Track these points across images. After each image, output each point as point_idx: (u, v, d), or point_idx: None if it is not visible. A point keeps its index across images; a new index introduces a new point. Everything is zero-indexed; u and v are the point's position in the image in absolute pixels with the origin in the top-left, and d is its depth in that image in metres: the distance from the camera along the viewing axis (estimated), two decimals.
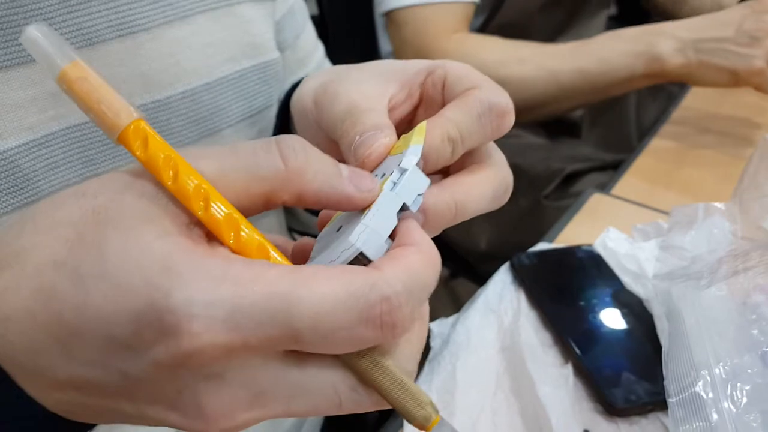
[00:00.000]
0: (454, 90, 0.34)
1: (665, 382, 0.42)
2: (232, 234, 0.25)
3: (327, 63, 0.65)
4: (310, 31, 0.62)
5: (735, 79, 0.80)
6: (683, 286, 0.45)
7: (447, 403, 0.50)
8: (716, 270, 0.45)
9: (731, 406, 0.39)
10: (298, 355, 0.24)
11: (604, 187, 0.77)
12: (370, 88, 0.36)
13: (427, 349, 0.55)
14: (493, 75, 0.35)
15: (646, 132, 0.96)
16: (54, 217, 0.24)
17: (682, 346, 0.42)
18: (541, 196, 0.95)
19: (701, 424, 0.40)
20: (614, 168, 0.97)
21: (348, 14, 1.06)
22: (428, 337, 0.56)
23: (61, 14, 0.37)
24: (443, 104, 0.34)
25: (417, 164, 0.29)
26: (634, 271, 0.54)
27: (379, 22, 1.05)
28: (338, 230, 0.29)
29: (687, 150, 0.85)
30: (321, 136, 0.37)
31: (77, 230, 0.23)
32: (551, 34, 1.04)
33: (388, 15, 0.96)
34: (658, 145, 0.86)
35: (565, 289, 0.57)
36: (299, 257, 0.31)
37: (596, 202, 0.73)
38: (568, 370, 0.51)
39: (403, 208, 0.28)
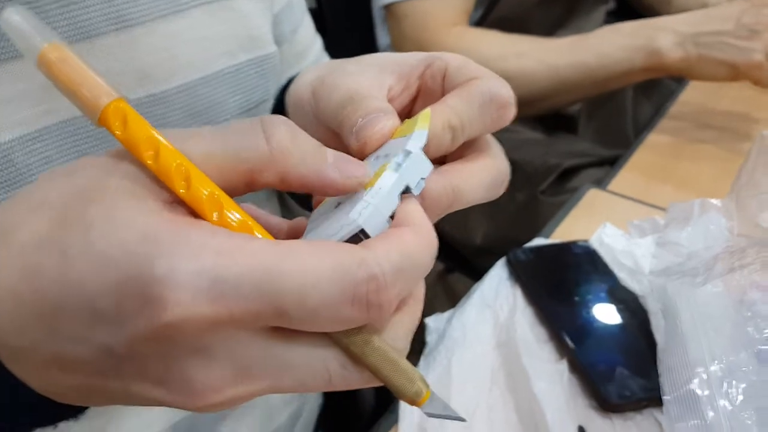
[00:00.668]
0: (455, 80, 0.34)
1: (660, 380, 0.43)
2: (216, 213, 0.24)
3: (325, 57, 0.65)
4: (308, 25, 0.62)
5: (734, 73, 0.80)
6: (679, 282, 0.45)
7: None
8: (712, 267, 0.45)
9: (727, 404, 0.39)
10: (287, 331, 0.24)
11: (601, 182, 0.77)
12: (369, 79, 0.35)
13: (422, 344, 0.55)
14: (493, 69, 0.35)
15: (642, 127, 0.96)
16: (41, 196, 0.24)
17: (678, 343, 0.42)
18: (538, 191, 0.95)
19: (697, 422, 0.40)
20: (611, 163, 0.96)
21: (346, 7, 1.05)
22: (423, 331, 0.56)
23: (56, 7, 0.37)
24: (443, 96, 0.34)
25: (422, 148, 0.29)
26: (630, 267, 0.54)
27: (378, 15, 1.04)
28: (336, 207, 0.29)
29: (684, 145, 0.85)
30: (317, 128, 0.37)
31: (62, 209, 0.23)
32: (550, 29, 1.04)
33: (387, 8, 0.96)
34: (655, 140, 0.86)
35: (561, 285, 0.57)
36: (294, 238, 0.31)
37: (592, 197, 0.73)
38: (564, 366, 0.51)
39: (406, 190, 0.28)
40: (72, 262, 0.22)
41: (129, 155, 0.25)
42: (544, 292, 0.56)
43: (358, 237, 0.26)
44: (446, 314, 0.58)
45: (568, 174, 0.97)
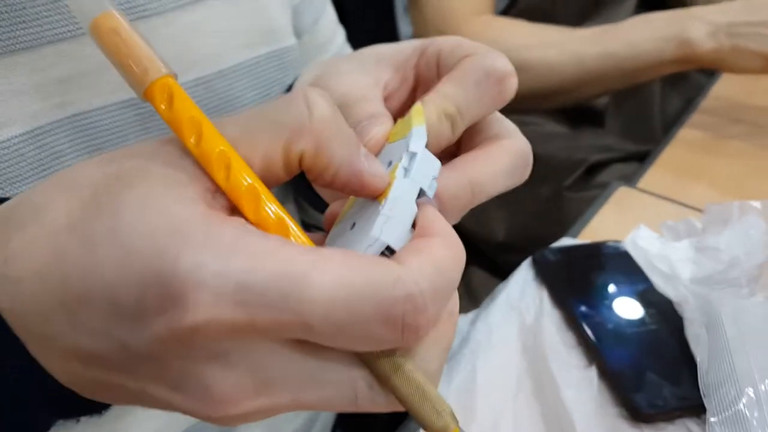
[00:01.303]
0: (448, 63, 0.32)
1: (704, 398, 0.40)
2: (253, 205, 0.23)
3: (347, 49, 0.63)
4: (330, 15, 0.60)
5: None
6: (723, 293, 0.43)
7: (466, 405, 0.48)
8: (758, 277, 0.43)
9: None
10: (314, 345, 0.22)
11: (630, 180, 0.74)
12: (361, 78, 0.34)
13: None
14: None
15: (670, 122, 0.94)
16: (76, 179, 0.23)
17: (723, 359, 0.40)
18: (563, 186, 0.93)
19: None
20: (638, 158, 0.94)
21: None
22: None
23: None
24: None
25: (425, 146, 0.27)
26: (665, 272, 0.52)
27: (400, 4, 1.02)
28: (352, 228, 0.27)
29: (717, 141, 0.82)
30: None
31: (95, 193, 0.22)
32: (577, 20, 1.01)
33: None
34: (686, 135, 0.83)
35: (591, 288, 0.55)
36: None
37: (622, 195, 0.70)
38: (593, 372, 0.49)
39: (420, 194, 0.26)
40: (97, 250, 0.21)
41: (174, 142, 0.24)
42: (572, 295, 0.54)
43: (384, 255, 0.24)
44: (470, 315, 0.56)
45: (593, 169, 0.95)
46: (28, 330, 0.23)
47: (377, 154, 0.30)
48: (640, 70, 0.84)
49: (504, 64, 0.30)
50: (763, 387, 0.37)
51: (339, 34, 0.62)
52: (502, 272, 0.60)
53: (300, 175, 0.26)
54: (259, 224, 0.23)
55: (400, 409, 0.24)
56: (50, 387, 0.24)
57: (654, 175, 0.75)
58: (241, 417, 0.23)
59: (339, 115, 0.25)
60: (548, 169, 0.95)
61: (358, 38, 0.63)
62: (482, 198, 0.29)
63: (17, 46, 0.34)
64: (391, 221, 0.24)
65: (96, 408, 0.28)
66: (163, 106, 0.24)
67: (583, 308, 0.53)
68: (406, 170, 0.26)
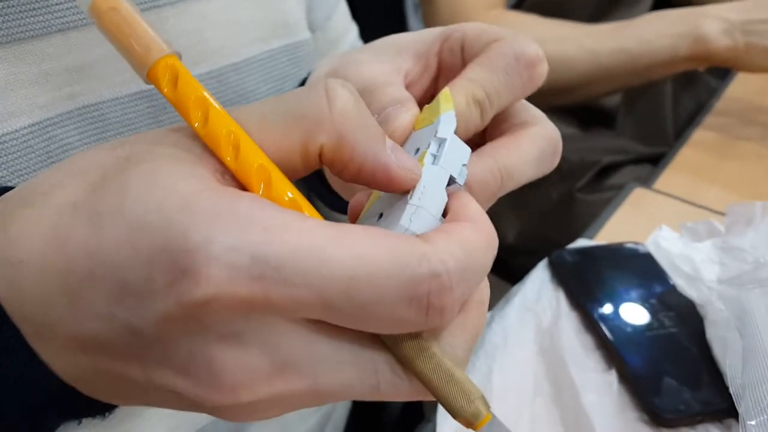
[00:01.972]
0: (474, 49, 0.31)
1: (737, 401, 0.39)
2: (262, 185, 0.22)
3: (360, 45, 0.62)
4: (343, 12, 0.59)
5: None
6: (753, 293, 0.42)
7: None
8: None
9: None
10: (335, 326, 0.21)
11: (645, 181, 0.73)
12: (381, 66, 0.33)
13: None
14: None
15: (682, 125, 0.93)
16: (85, 163, 0.23)
17: (759, 360, 0.38)
18: (575, 188, 0.92)
19: None
20: (650, 161, 0.93)
21: None
22: None
23: None
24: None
25: (454, 132, 0.26)
26: (688, 273, 0.51)
27: (410, 1, 1.02)
28: (378, 219, 0.25)
29: (731, 143, 0.81)
30: None
31: (104, 174, 0.22)
32: (590, 17, 1.00)
33: None
34: (700, 137, 0.82)
35: (610, 289, 0.54)
36: None
37: (638, 197, 0.69)
38: (612, 376, 0.47)
39: (450, 182, 0.25)
40: (103, 227, 0.20)
41: (183, 128, 0.23)
42: (590, 296, 0.53)
43: None
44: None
45: (606, 171, 0.94)
46: (28, 319, 0.22)
47: (403, 142, 0.29)
48: (654, 66, 0.83)
49: (535, 50, 0.29)
50: None
51: (352, 30, 0.61)
52: (513, 275, 0.58)
53: (315, 172, 0.25)
54: None
55: (426, 397, 0.23)
56: (51, 386, 0.23)
57: (669, 177, 0.74)
58: (253, 407, 0.21)
59: (362, 106, 0.24)
60: (560, 171, 0.93)
61: (367, 34, 0.62)
62: (511, 186, 0.29)
63: (26, 34, 0.33)
64: (420, 211, 0.23)
65: (99, 409, 0.27)
66: (166, 87, 0.23)
67: (602, 310, 0.52)
68: (435, 157, 0.25)
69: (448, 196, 0.24)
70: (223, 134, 0.22)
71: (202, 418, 0.44)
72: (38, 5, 0.33)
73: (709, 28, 0.79)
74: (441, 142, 0.26)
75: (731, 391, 0.40)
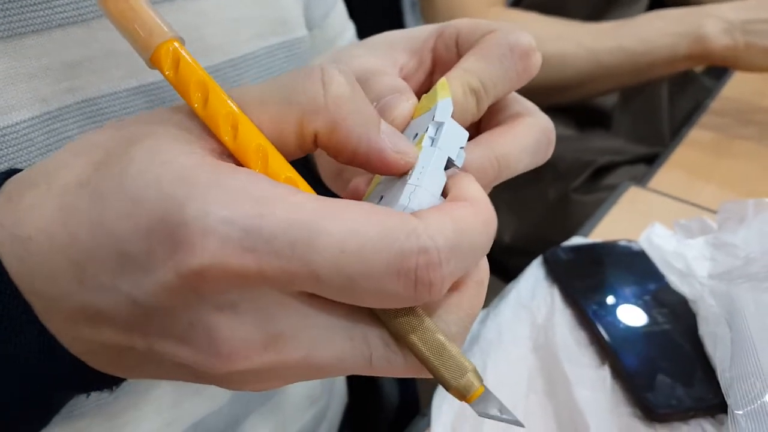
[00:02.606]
0: (469, 43, 0.32)
1: (727, 391, 0.39)
2: (261, 165, 0.23)
3: None
4: (340, 10, 0.59)
5: None
6: (743, 287, 0.42)
7: None
8: None
9: None
10: (327, 300, 0.22)
11: (640, 180, 0.73)
12: (378, 60, 0.33)
13: None
14: None
15: (678, 125, 0.93)
16: (89, 142, 0.24)
17: (748, 352, 0.39)
18: (570, 188, 0.92)
19: None
20: (645, 161, 0.93)
21: None
22: None
23: None
24: None
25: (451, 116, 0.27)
26: (681, 270, 0.51)
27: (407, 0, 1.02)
28: (379, 201, 0.26)
29: (727, 142, 0.81)
30: None
31: (106, 152, 0.23)
32: (588, 16, 1.01)
33: None
34: (696, 136, 0.83)
35: (604, 286, 0.54)
36: None
37: (632, 195, 0.69)
38: (606, 372, 0.48)
39: (448, 164, 0.26)
40: (105, 202, 0.21)
41: (183, 108, 0.24)
42: (584, 293, 0.53)
43: None
44: (479, 314, 0.56)
45: (601, 171, 0.94)
46: (36, 293, 0.23)
47: (402, 131, 0.29)
48: (654, 65, 0.83)
49: (528, 40, 0.30)
50: None
51: (349, 29, 0.61)
52: (509, 275, 0.59)
53: (304, 165, 0.25)
54: None
55: (420, 373, 0.23)
56: (61, 360, 0.24)
57: (664, 176, 0.74)
58: (250, 375, 0.22)
59: (358, 91, 0.24)
60: (556, 171, 0.94)
61: (364, 33, 0.63)
62: (508, 174, 0.29)
63: (27, 28, 0.33)
64: (419, 190, 0.24)
65: (107, 382, 0.27)
66: (168, 70, 0.24)
67: (595, 307, 0.52)
68: (433, 140, 0.26)
69: (448, 178, 0.25)
70: (222, 114, 0.23)
71: (199, 411, 0.44)
72: (38, 1, 0.33)
73: (710, 27, 0.79)
74: (439, 125, 0.26)
75: (720, 384, 0.41)
